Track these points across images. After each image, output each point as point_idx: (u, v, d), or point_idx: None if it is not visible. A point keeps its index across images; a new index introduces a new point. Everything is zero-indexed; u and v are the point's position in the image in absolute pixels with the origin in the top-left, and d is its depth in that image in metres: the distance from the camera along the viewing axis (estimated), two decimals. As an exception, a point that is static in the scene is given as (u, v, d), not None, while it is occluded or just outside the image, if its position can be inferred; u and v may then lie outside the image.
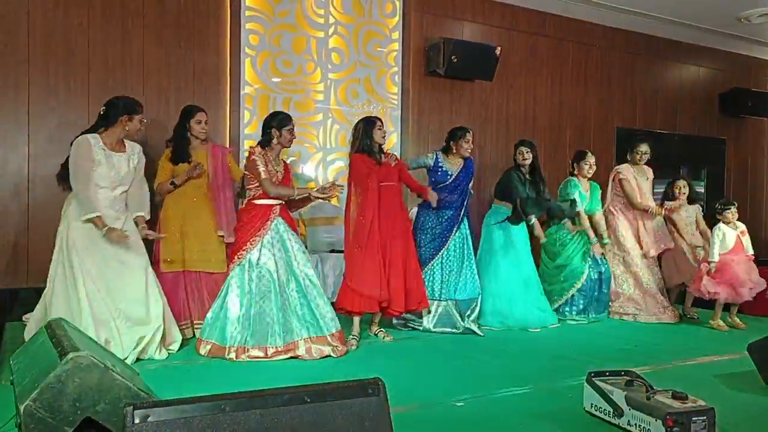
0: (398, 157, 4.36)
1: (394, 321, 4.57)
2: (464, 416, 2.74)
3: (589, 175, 5.23)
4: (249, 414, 1.55)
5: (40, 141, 4.55)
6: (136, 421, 1.46)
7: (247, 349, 3.61)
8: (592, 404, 2.69)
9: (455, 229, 4.58)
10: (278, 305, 3.67)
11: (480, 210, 5.58)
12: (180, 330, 3.94)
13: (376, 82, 5.91)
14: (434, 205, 4.40)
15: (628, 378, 2.64)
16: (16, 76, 4.52)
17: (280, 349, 3.62)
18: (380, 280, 3.99)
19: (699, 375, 3.48)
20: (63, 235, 3.51)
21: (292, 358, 3.63)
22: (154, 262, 4.10)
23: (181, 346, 3.83)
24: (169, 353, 3.68)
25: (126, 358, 3.33)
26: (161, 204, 4.22)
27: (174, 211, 4.13)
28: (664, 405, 2.35)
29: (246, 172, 3.91)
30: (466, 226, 4.66)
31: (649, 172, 5.46)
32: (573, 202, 5.09)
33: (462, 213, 4.61)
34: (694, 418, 2.29)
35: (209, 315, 3.77)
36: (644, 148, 5.36)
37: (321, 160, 5.71)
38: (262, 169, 3.75)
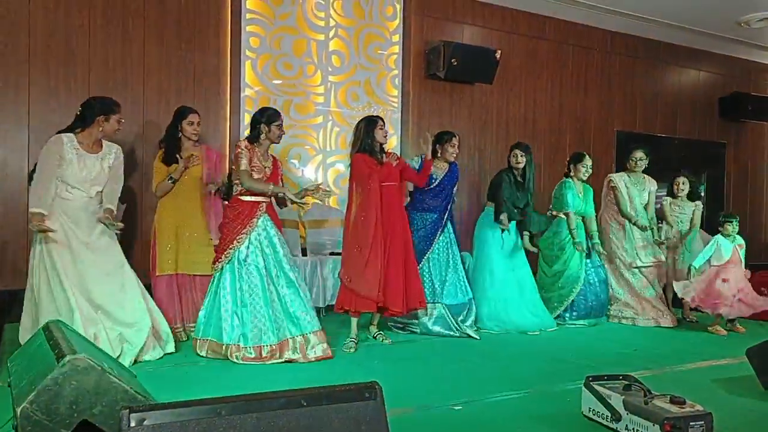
0: (399, 155, 4.35)
1: (390, 323, 4.57)
2: (462, 420, 2.73)
3: (585, 178, 5.22)
4: (245, 417, 1.55)
5: (41, 141, 4.52)
6: (132, 424, 1.46)
7: (242, 348, 3.61)
8: (590, 408, 2.69)
9: (439, 232, 4.59)
10: (267, 302, 3.67)
11: (479, 213, 5.57)
12: (174, 333, 3.95)
13: (377, 85, 5.91)
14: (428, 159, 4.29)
15: (627, 382, 2.64)
16: (16, 77, 4.53)
17: (273, 347, 3.62)
18: (379, 282, 3.99)
19: (697, 379, 3.48)
20: (40, 237, 3.49)
21: (286, 362, 3.63)
22: (152, 267, 4.11)
23: (177, 349, 3.83)
24: (163, 353, 3.68)
25: (118, 357, 3.33)
26: (156, 208, 4.23)
27: (169, 214, 4.13)
28: (661, 410, 2.35)
29: (233, 167, 3.92)
30: (450, 231, 4.67)
31: (651, 184, 5.38)
32: (551, 218, 5.15)
33: (446, 217, 4.62)
34: (691, 423, 2.28)
35: (201, 314, 3.78)
36: (639, 154, 5.32)
37: (321, 163, 5.72)
38: (243, 161, 3.72)
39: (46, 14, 4.60)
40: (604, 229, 5.38)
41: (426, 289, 4.46)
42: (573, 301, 5.05)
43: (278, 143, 4.00)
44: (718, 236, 4.91)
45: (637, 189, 5.31)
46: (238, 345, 3.63)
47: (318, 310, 5.13)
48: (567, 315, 5.07)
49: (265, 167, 3.83)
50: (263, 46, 5.40)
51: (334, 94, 5.73)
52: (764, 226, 8.68)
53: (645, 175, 5.39)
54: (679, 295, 4.94)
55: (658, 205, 5.60)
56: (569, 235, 5.09)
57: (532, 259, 5.17)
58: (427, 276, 4.53)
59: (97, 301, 3.48)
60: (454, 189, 4.69)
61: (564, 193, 5.11)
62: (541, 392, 3.15)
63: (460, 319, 4.54)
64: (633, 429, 2.43)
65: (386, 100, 5.97)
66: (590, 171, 5.21)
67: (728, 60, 8.15)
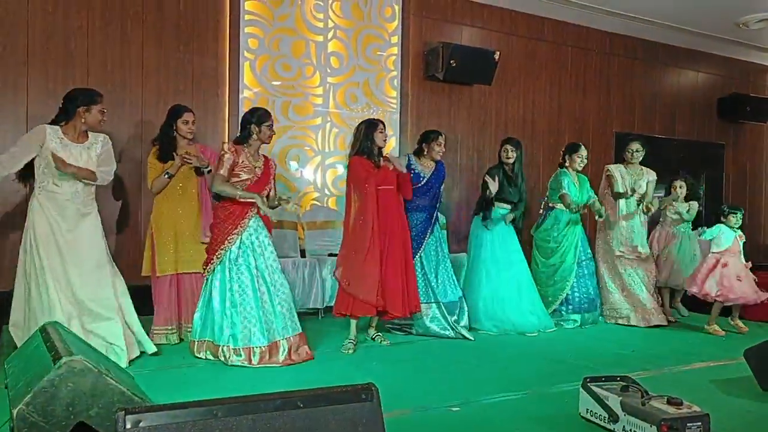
0: (400, 162, 4.28)
1: (387, 325, 4.57)
2: (459, 421, 2.74)
3: (579, 169, 5.20)
4: (241, 419, 1.55)
5: (39, 143, 4.54)
6: (128, 426, 1.46)
7: (231, 350, 3.61)
8: (587, 409, 2.69)
9: (429, 232, 4.58)
10: (258, 303, 3.67)
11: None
12: (169, 335, 3.96)
13: (375, 86, 5.92)
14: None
15: (624, 383, 2.64)
16: (15, 78, 4.53)
17: (263, 349, 3.61)
18: (378, 286, 3.99)
19: (695, 380, 3.48)
20: (29, 233, 3.51)
21: (274, 365, 3.61)
22: (151, 268, 4.10)
23: (174, 350, 3.82)
24: (156, 348, 3.70)
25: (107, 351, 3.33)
26: (153, 206, 4.21)
27: (166, 214, 4.12)
28: (659, 411, 2.35)
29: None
30: (438, 229, 4.67)
31: (649, 174, 5.35)
32: (546, 209, 5.19)
33: (434, 216, 4.61)
34: (689, 424, 2.29)
35: (197, 316, 3.78)
36: (635, 146, 5.32)
37: (320, 164, 5.72)
38: (225, 165, 3.70)
39: (45, 16, 4.60)
40: (601, 226, 5.38)
41: (420, 289, 4.46)
42: (568, 294, 5.07)
43: (269, 143, 3.98)
44: (721, 225, 4.92)
45: (633, 179, 5.28)
46: (229, 346, 3.63)
47: (317, 311, 5.15)
48: (563, 309, 5.08)
49: (255, 167, 3.80)
50: (262, 47, 5.40)
51: (332, 96, 5.73)
52: (763, 227, 8.69)
53: (643, 167, 5.37)
54: (699, 295, 4.90)
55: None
56: (566, 227, 5.09)
57: (527, 255, 5.17)
58: (419, 275, 4.52)
59: (78, 295, 3.48)
60: (441, 188, 4.69)
61: (561, 179, 5.10)
62: (538, 393, 3.15)
63: (453, 319, 4.53)
64: (630, 430, 2.43)
65: (385, 101, 5.97)
66: (585, 161, 5.18)
67: (727, 61, 8.16)
